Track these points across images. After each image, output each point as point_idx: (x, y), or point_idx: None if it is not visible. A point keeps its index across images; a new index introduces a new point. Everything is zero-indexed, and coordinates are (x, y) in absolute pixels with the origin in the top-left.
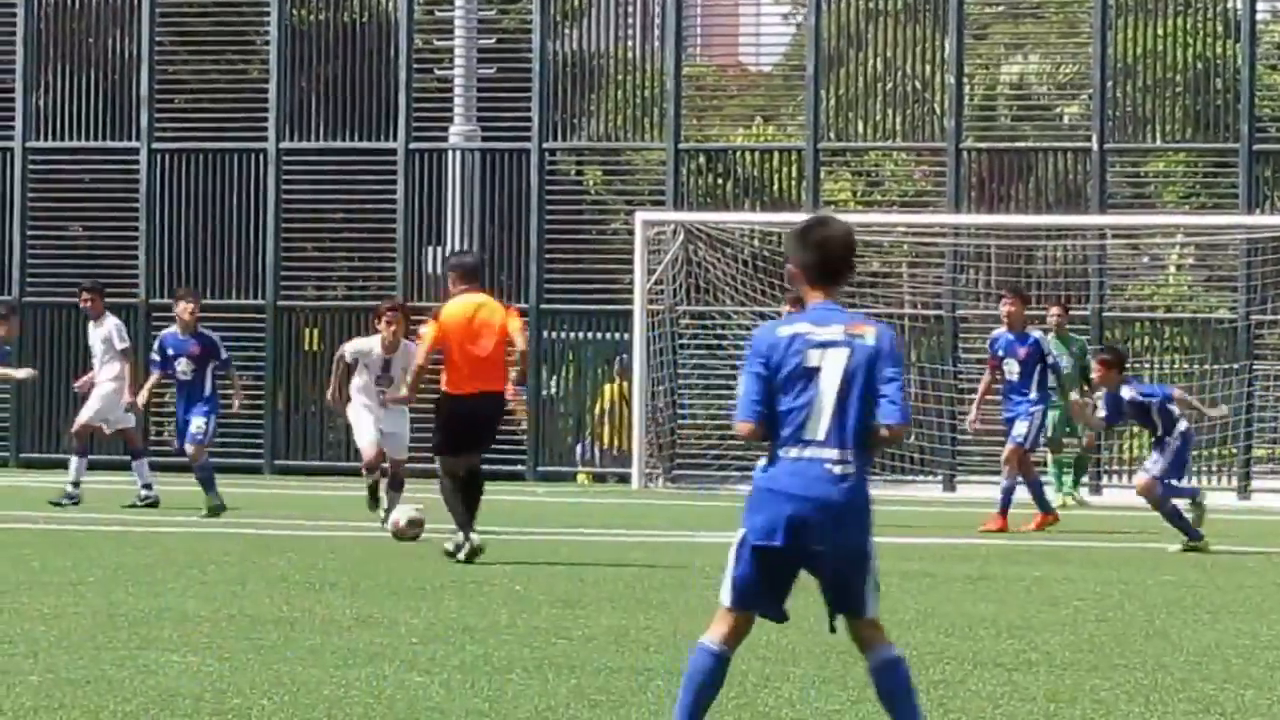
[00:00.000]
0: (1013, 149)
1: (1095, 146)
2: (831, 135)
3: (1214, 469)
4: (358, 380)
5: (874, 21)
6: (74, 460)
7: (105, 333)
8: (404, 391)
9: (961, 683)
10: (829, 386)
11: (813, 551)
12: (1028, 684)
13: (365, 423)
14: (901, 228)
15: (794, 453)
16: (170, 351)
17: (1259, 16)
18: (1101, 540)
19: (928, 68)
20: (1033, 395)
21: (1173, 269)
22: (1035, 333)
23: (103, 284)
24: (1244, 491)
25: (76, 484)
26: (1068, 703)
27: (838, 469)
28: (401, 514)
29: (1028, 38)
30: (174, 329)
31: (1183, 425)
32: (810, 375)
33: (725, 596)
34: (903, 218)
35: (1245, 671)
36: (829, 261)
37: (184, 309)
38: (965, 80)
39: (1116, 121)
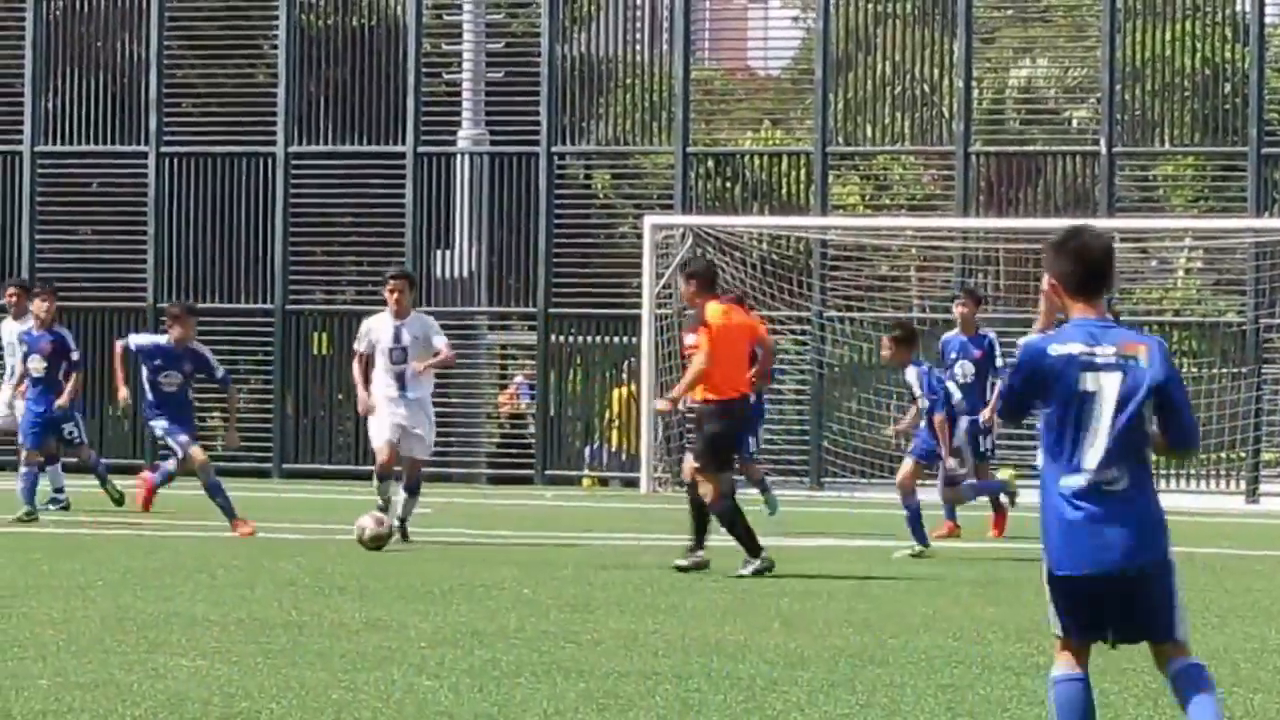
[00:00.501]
0: (1021, 153)
1: (1104, 150)
2: (840, 139)
3: (1222, 473)
4: (375, 373)
5: (882, 25)
6: (48, 467)
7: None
8: (663, 405)
9: (970, 687)
10: (1105, 411)
11: (1115, 577)
12: (1036, 688)
13: (381, 421)
14: (910, 231)
15: (1075, 480)
16: (23, 348)
17: (1268, 20)
18: None
19: (936, 71)
20: (988, 398)
21: (1181, 272)
22: (989, 333)
23: (27, 282)
24: (1252, 495)
25: (59, 489)
26: None
27: (1118, 488)
28: (369, 521)
29: (1036, 41)
30: (30, 325)
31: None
32: (1085, 399)
33: (1055, 626)
34: (911, 221)
35: (1254, 675)
36: (1090, 271)
37: (39, 305)
38: (974, 84)
39: (1125, 125)
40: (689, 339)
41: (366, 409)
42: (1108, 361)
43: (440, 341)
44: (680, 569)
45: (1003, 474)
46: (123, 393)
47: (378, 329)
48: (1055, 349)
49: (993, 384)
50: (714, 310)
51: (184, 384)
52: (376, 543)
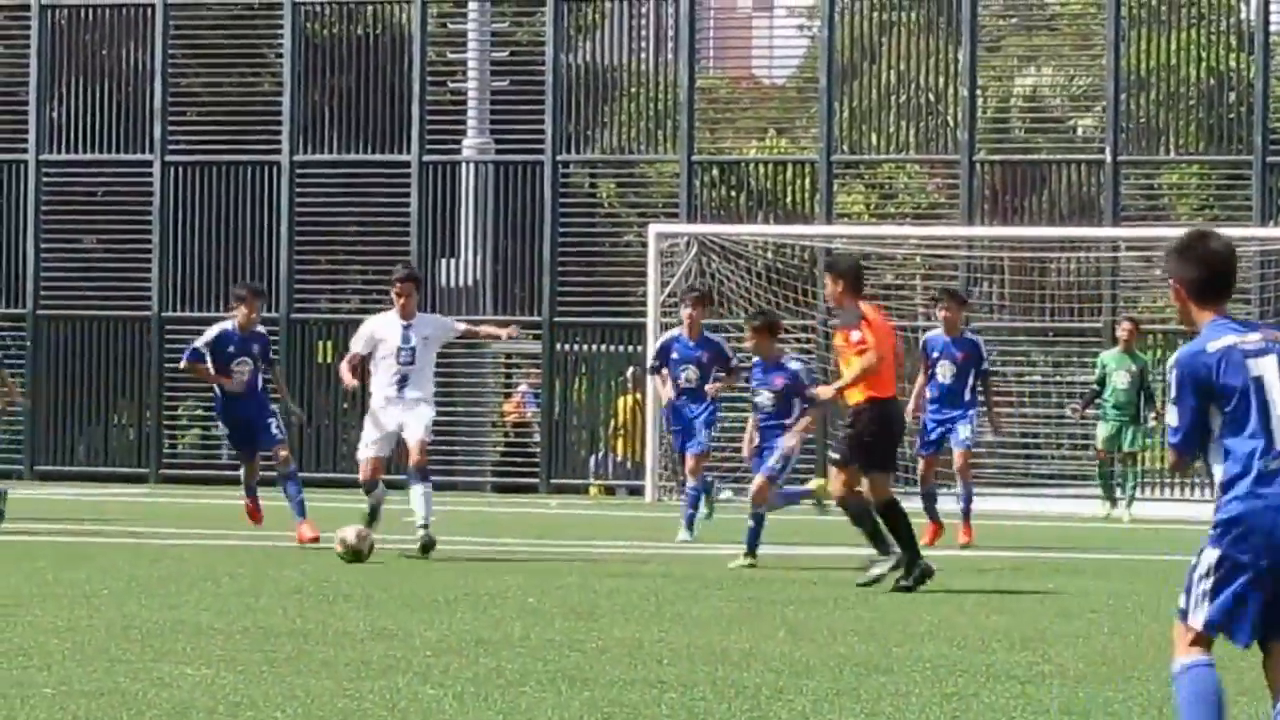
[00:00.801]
0: (1026, 161)
1: (1109, 159)
2: (845, 148)
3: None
4: (375, 375)
5: (887, 34)
6: None
7: None
8: (826, 392)
9: (975, 695)
10: (1278, 395)
11: None
12: (1041, 696)
13: (369, 433)
14: (915, 240)
15: (1274, 465)
16: None
17: (1273, 29)
18: (1115, 552)
19: (941, 80)
20: (967, 398)
21: None
22: (975, 336)
23: None
24: None
25: None
26: (1081, 715)
27: None
28: (349, 532)
29: (1041, 50)
30: None
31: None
32: (1259, 385)
33: (1199, 620)
34: (916, 230)
35: (1259, 682)
36: (1216, 276)
37: None
38: (978, 92)
39: (1130, 134)
40: (853, 335)
41: (351, 386)
42: (1260, 347)
43: (464, 327)
44: (903, 587)
45: (813, 484)
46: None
47: (383, 330)
48: (1211, 345)
49: (974, 385)
50: (869, 308)
51: (254, 372)
52: (355, 555)
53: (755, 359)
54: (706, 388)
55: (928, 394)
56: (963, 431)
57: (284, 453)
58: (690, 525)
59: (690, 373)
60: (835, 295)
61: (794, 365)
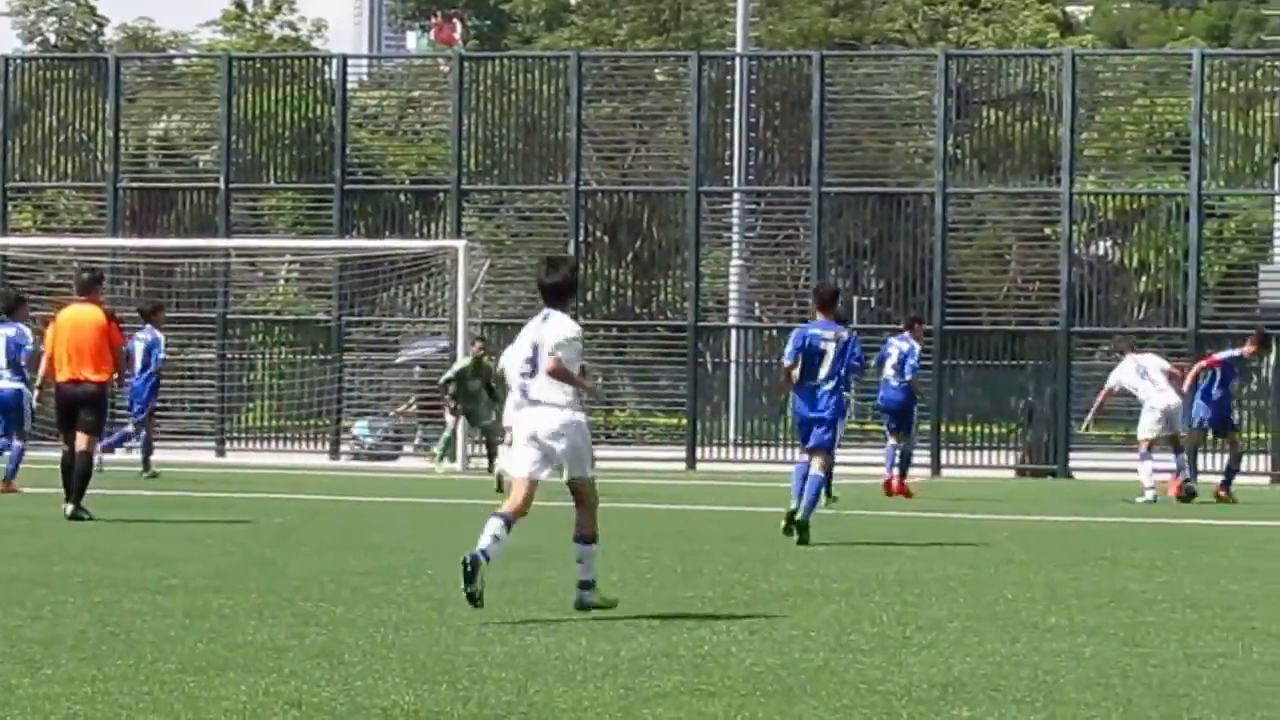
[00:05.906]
0: (159, 188)
1: (223, 185)
2: (18, 177)
3: None
4: None
5: (50, 87)
6: None
7: None
8: None
9: (116, 603)
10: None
11: None
12: (167, 603)
13: None
14: (73, 249)
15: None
16: None
17: (353, 83)
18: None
19: (92, 124)
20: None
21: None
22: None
23: None
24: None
25: None
26: (199, 616)
27: None
28: None
29: (169, 101)
30: None
31: None
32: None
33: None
34: (74, 241)
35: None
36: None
37: None
38: (122, 134)
39: (239, 166)
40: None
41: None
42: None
43: None
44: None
45: None
46: None
47: None
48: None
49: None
50: None
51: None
52: None
53: None
54: None
55: None
56: None
57: None
58: None
59: None
60: None
61: None
